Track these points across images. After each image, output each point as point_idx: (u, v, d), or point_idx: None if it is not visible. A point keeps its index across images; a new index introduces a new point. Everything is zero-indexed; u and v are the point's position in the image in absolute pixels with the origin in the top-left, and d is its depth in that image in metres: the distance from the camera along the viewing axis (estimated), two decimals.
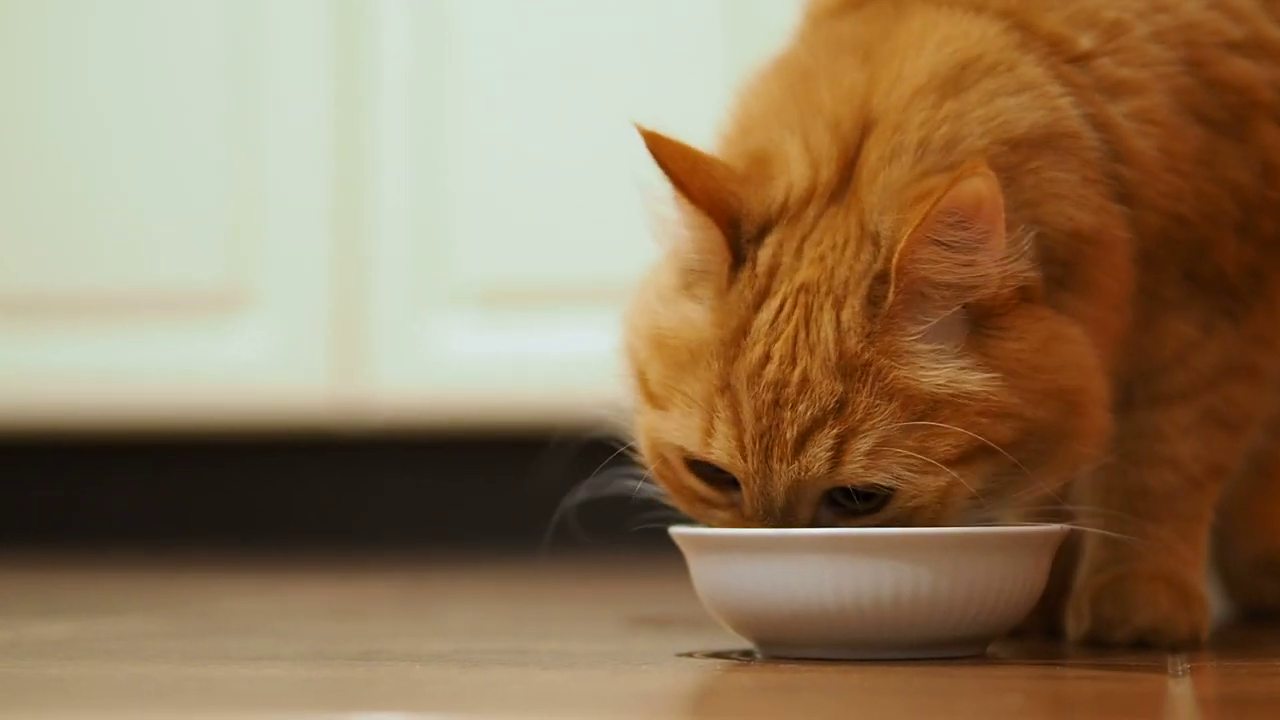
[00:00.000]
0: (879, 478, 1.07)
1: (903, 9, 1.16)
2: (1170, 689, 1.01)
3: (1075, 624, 1.21)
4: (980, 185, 1.05)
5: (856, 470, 1.06)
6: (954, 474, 1.06)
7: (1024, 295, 1.10)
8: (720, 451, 1.09)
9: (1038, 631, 1.25)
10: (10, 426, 2.45)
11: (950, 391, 1.07)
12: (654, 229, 1.14)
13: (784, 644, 1.11)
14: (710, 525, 1.12)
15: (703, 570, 1.12)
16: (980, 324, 1.08)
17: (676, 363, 1.11)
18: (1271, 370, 1.22)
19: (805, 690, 1.02)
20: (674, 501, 1.15)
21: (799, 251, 1.10)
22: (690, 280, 1.13)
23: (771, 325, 1.08)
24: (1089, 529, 1.22)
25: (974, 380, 1.07)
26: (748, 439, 1.08)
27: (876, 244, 1.08)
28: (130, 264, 2.41)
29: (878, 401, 1.06)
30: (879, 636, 1.08)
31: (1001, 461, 1.08)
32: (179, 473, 2.50)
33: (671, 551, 1.15)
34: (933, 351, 1.07)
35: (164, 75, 2.41)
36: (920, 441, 1.06)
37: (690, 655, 1.16)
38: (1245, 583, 1.45)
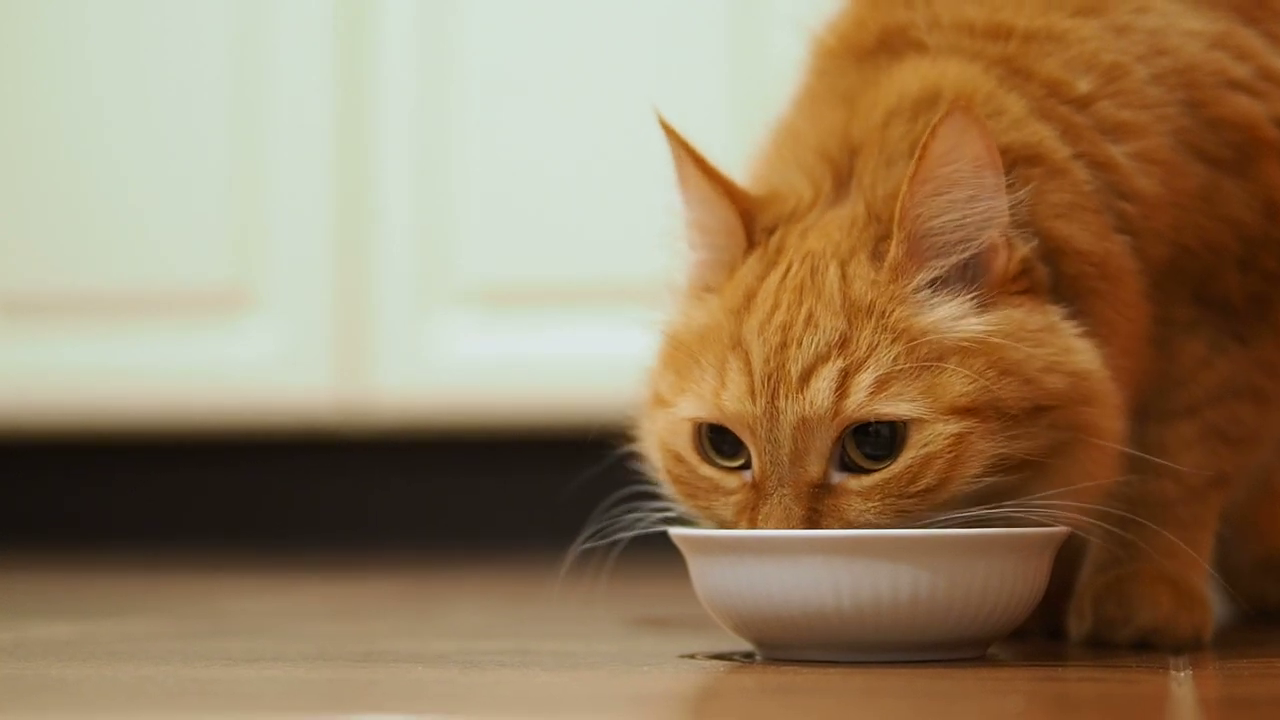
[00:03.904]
0: (886, 409, 1.07)
1: (901, 60, 1.18)
2: (1172, 690, 1.01)
3: (1077, 624, 1.21)
4: (963, 117, 1.08)
5: (861, 400, 1.07)
6: (966, 423, 1.07)
7: (1031, 284, 1.12)
8: (730, 400, 1.10)
9: (1039, 633, 1.25)
10: (13, 426, 2.45)
11: (957, 335, 1.09)
12: (676, 243, 1.18)
13: (784, 646, 1.11)
14: (724, 514, 1.12)
15: (702, 572, 1.12)
16: (989, 296, 1.10)
17: (688, 354, 1.13)
18: (1278, 394, 1.22)
19: (806, 692, 1.02)
20: (689, 506, 1.15)
21: (804, 234, 1.13)
22: (704, 287, 1.17)
23: (780, 283, 1.12)
24: (1091, 531, 1.23)
25: (980, 326, 1.09)
26: (756, 382, 1.09)
27: (880, 219, 1.12)
28: (134, 264, 2.41)
29: (881, 338, 1.08)
30: (880, 638, 1.08)
31: (1016, 434, 1.08)
32: (182, 473, 2.50)
33: (673, 552, 1.15)
34: (938, 301, 1.10)
35: (168, 75, 2.41)
36: (928, 384, 1.07)
37: (692, 657, 1.16)
38: (1247, 584, 1.45)
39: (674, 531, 1.14)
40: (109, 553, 2.35)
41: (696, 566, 1.13)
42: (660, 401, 1.15)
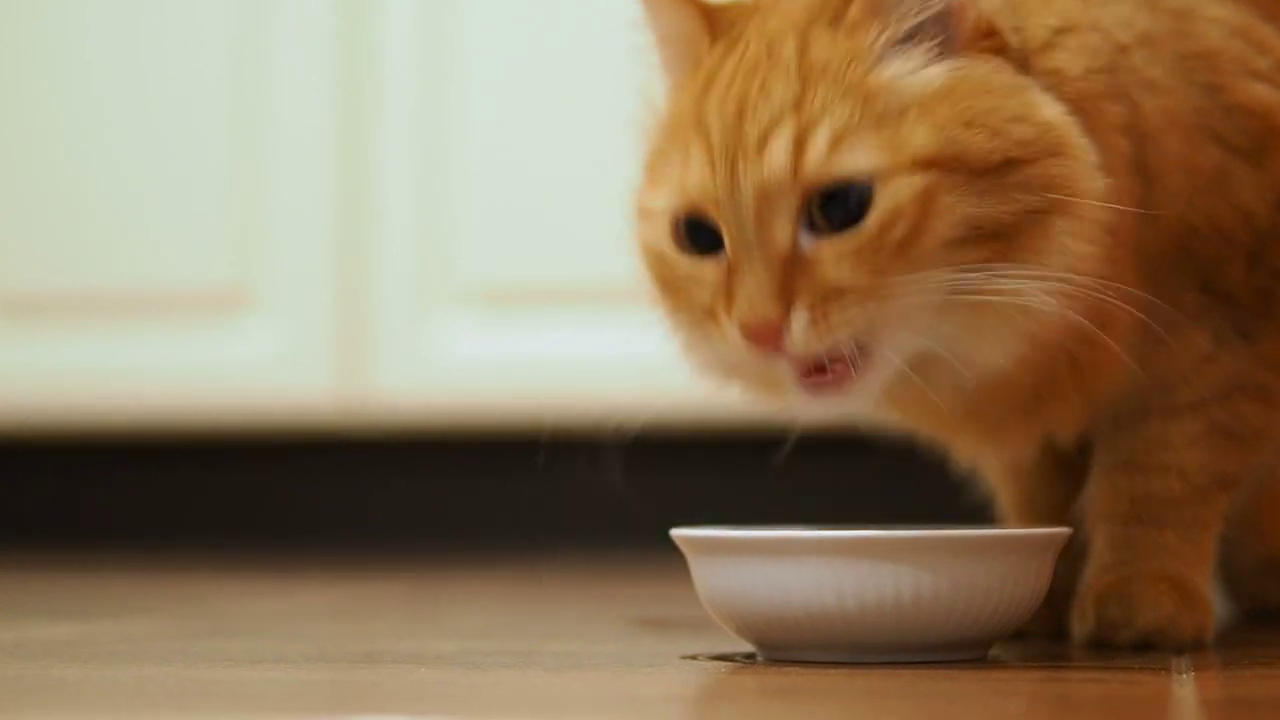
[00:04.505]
0: (844, 167, 1.05)
1: None
2: (1174, 691, 1.01)
3: (1079, 625, 1.21)
4: None
5: (819, 159, 1.06)
6: (931, 175, 1.05)
7: (1000, 47, 1.10)
8: (694, 178, 1.09)
9: (1042, 634, 1.25)
10: (12, 426, 2.45)
11: (915, 87, 1.07)
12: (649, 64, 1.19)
13: (786, 647, 1.11)
14: (702, 299, 1.11)
15: (703, 573, 1.12)
16: (953, 53, 1.09)
17: (660, 149, 1.13)
18: None
19: (808, 693, 1.02)
20: (673, 310, 1.14)
21: (762, 21, 1.12)
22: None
23: (739, 62, 1.10)
24: (1094, 532, 1.22)
25: (940, 76, 1.08)
26: (716, 156, 1.08)
27: None
28: (134, 264, 2.41)
29: (835, 95, 1.07)
30: (881, 639, 1.08)
31: (985, 190, 1.06)
32: (182, 473, 2.50)
33: (674, 553, 1.15)
34: (897, 56, 1.08)
35: (168, 75, 2.41)
36: (888, 137, 1.06)
37: (694, 658, 1.16)
38: (1249, 584, 1.45)
39: (675, 532, 1.14)
40: (109, 553, 2.35)
41: (698, 567, 1.13)
42: (644, 214, 1.15)
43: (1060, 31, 1.13)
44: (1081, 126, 1.10)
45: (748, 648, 1.15)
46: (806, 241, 1.07)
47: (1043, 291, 1.07)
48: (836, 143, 1.06)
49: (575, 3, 2.34)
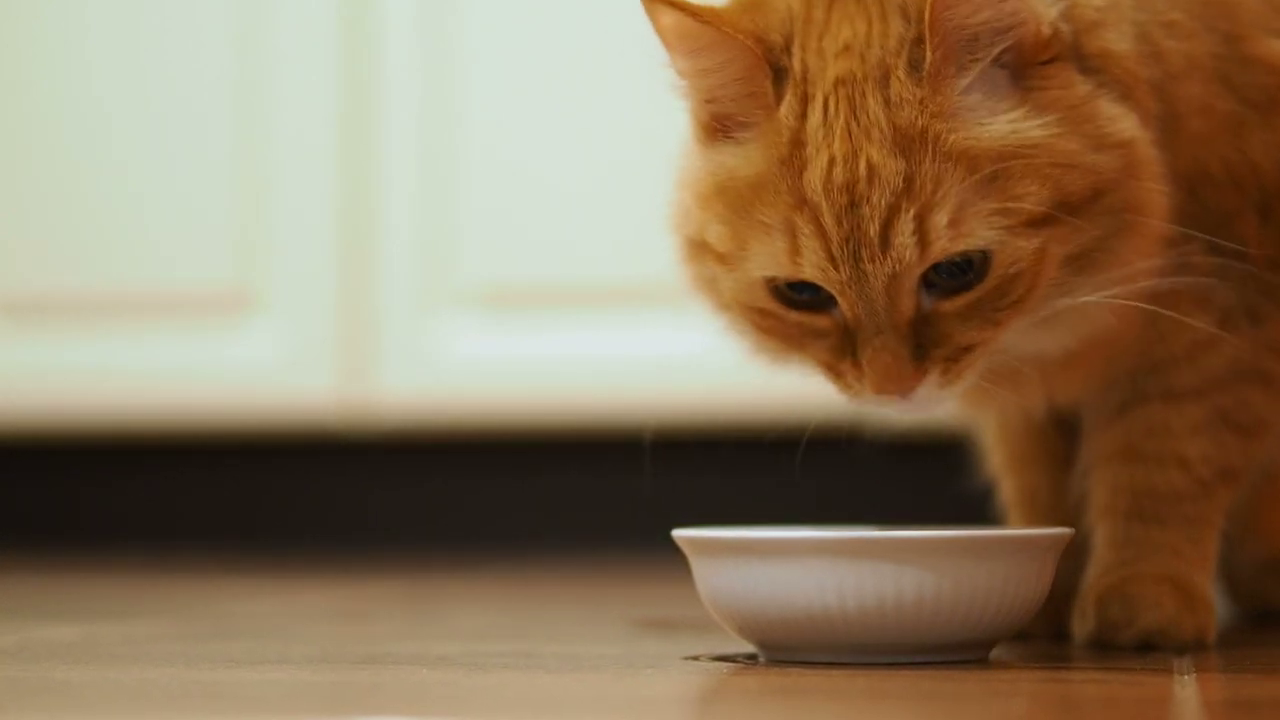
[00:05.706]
0: (969, 243, 1.06)
1: None
2: (1176, 692, 1.01)
3: (1080, 626, 1.21)
4: None
5: (945, 245, 1.06)
6: (1044, 233, 1.07)
7: (1060, 50, 1.10)
8: (811, 267, 1.08)
9: (1043, 635, 1.25)
10: (15, 428, 2.45)
11: (1014, 143, 1.07)
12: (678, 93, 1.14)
13: (788, 648, 1.11)
14: (819, 356, 1.12)
15: (705, 573, 1.12)
16: (1023, 76, 1.09)
17: (739, 205, 1.10)
18: None
19: (810, 694, 1.02)
20: (778, 353, 1.14)
21: (819, 50, 1.09)
22: (720, 128, 1.12)
23: (824, 127, 1.08)
24: (1096, 531, 1.22)
25: (1033, 127, 1.08)
26: (835, 247, 1.07)
27: (906, 15, 1.08)
28: (136, 266, 2.41)
29: (943, 168, 1.06)
30: (883, 640, 1.08)
31: (1079, 226, 1.08)
32: (184, 475, 2.50)
33: (676, 554, 1.15)
34: (985, 106, 1.08)
35: (169, 75, 2.41)
36: (1000, 204, 1.06)
37: (696, 659, 1.16)
38: (1250, 585, 1.45)
39: (677, 533, 1.14)
40: (111, 555, 2.35)
41: (699, 568, 1.13)
42: (717, 256, 1.12)
43: (1105, 9, 1.13)
44: (1126, 99, 1.11)
45: (749, 649, 1.15)
46: (927, 301, 1.09)
47: (1104, 306, 1.11)
48: (956, 222, 1.06)
49: (577, 5, 2.34)
